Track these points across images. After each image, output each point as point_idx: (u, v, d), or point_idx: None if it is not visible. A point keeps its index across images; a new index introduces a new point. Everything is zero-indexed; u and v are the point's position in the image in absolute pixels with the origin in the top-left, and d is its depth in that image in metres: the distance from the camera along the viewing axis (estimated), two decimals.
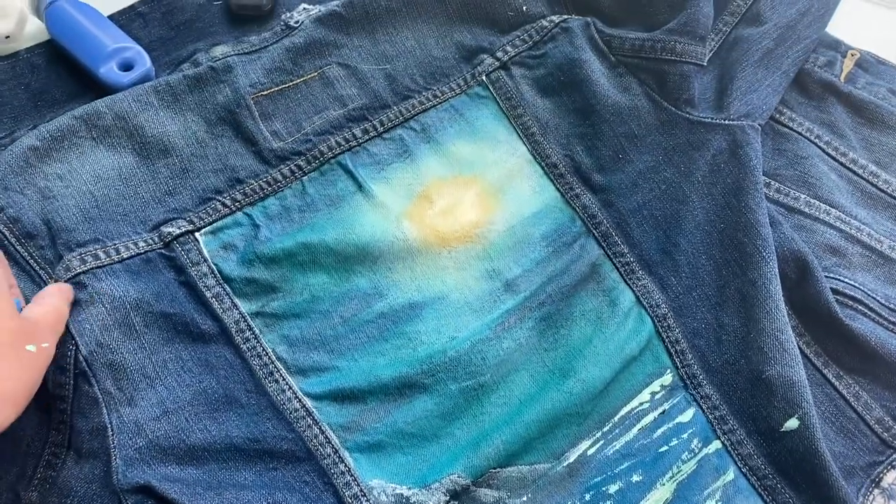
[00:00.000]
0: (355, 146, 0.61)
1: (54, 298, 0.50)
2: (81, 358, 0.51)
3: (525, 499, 0.54)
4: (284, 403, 0.54)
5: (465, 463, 0.53)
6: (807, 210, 0.64)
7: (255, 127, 0.59)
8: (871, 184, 0.66)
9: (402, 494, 0.52)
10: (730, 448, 0.56)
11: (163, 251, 0.56)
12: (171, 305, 0.55)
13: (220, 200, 0.58)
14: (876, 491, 0.56)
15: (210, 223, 0.57)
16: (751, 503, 0.55)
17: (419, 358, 0.56)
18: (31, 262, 0.54)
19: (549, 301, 0.59)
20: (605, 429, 0.56)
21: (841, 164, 0.66)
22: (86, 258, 0.53)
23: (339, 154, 0.61)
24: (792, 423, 0.54)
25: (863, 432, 0.57)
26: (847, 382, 0.59)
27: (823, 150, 0.66)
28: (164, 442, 0.51)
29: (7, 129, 0.61)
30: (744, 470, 0.56)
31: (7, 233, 0.53)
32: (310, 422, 0.54)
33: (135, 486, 0.49)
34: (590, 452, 0.55)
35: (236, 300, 0.56)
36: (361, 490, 0.52)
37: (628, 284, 0.60)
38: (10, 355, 0.43)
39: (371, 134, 0.62)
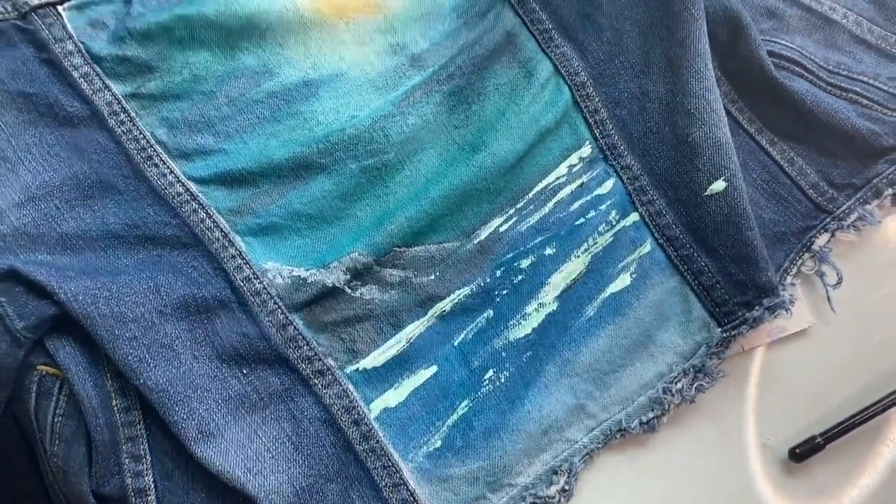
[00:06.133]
0: None
1: None
2: None
3: (433, 277, 0.50)
4: (166, 188, 0.49)
5: (366, 241, 0.49)
6: None
7: None
8: None
9: (299, 276, 0.48)
10: (648, 219, 0.53)
11: (18, 22, 0.50)
12: (30, 85, 0.49)
13: None
14: (806, 255, 0.53)
15: None
16: (665, 276, 0.52)
17: (315, 138, 0.51)
18: None
19: (459, 74, 0.53)
20: (518, 205, 0.52)
21: None
22: None
23: None
24: (718, 186, 0.51)
25: (796, 198, 0.54)
26: (781, 148, 0.55)
27: None
28: (32, 230, 0.47)
29: None
30: (661, 241, 0.52)
31: None
32: (195, 206, 0.49)
33: None
34: (502, 229, 0.52)
35: (108, 81, 0.51)
36: (254, 273, 0.48)
37: (546, 53, 0.55)
38: None
39: None
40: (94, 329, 0.44)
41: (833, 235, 0.54)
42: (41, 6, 0.51)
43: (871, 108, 0.55)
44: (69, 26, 0.51)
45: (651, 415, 0.49)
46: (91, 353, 0.45)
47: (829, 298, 0.53)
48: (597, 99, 0.54)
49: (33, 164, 0.48)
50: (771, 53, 0.55)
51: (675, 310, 0.51)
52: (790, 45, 0.56)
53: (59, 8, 0.51)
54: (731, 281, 0.50)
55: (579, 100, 0.54)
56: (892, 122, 0.55)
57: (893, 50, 0.57)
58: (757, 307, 0.50)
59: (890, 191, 0.54)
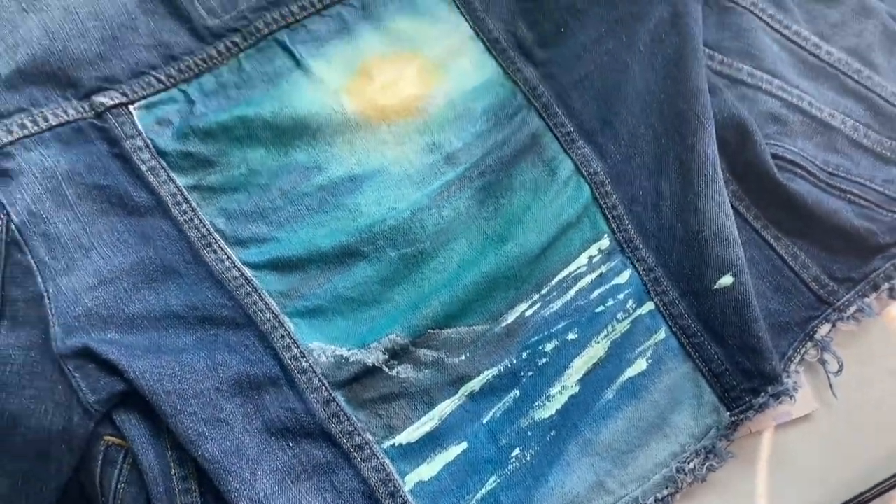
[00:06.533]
0: (293, 23, 0.60)
1: None
2: (13, 227, 0.51)
3: (463, 358, 0.54)
4: (223, 273, 0.54)
5: (403, 324, 0.54)
6: (749, 80, 0.63)
7: (190, 4, 0.58)
8: (814, 55, 0.65)
9: (341, 355, 0.53)
10: (662, 308, 0.57)
11: (94, 121, 0.55)
12: (104, 177, 0.54)
13: (154, 76, 0.57)
14: (809, 344, 0.57)
15: (144, 97, 0.57)
16: (678, 362, 0.56)
17: (359, 228, 0.56)
18: None
19: (489, 171, 0.59)
20: (542, 291, 0.57)
21: (784, 36, 0.66)
22: (12, 128, 0.53)
23: (277, 31, 0.60)
24: (726, 280, 0.55)
25: (799, 290, 0.58)
26: (785, 244, 0.59)
27: (767, 23, 0.66)
28: (104, 311, 0.52)
29: None
30: (674, 329, 0.56)
31: None
32: (249, 289, 0.54)
33: (73, 350, 0.49)
34: (528, 314, 0.56)
35: (172, 174, 0.56)
36: (301, 352, 0.53)
37: (568, 153, 0.60)
38: None
39: (309, 11, 0.61)
40: (158, 404, 0.49)
41: (834, 326, 0.58)
42: (115, 106, 0.56)
43: (867, 208, 0.60)
44: (139, 124, 0.56)
45: (665, 492, 0.53)
46: (154, 425, 0.50)
47: (830, 385, 0.57)
48: (615, 196, 0.59)
49: (105, 250, 0.53)
50: (775, 156, 0.60)
51: (687, 394, 0.55)
52: (793, 148, 0.61)
53: (131, 107, 0.57)
54: (739, 369, 0.54)
55: (598, 197, 0.59)
56: (888, 222, 0.59)
57: (888, 154, 0.62)
58: (763, 394, 0.54)
59: (887, 285, 0.59)
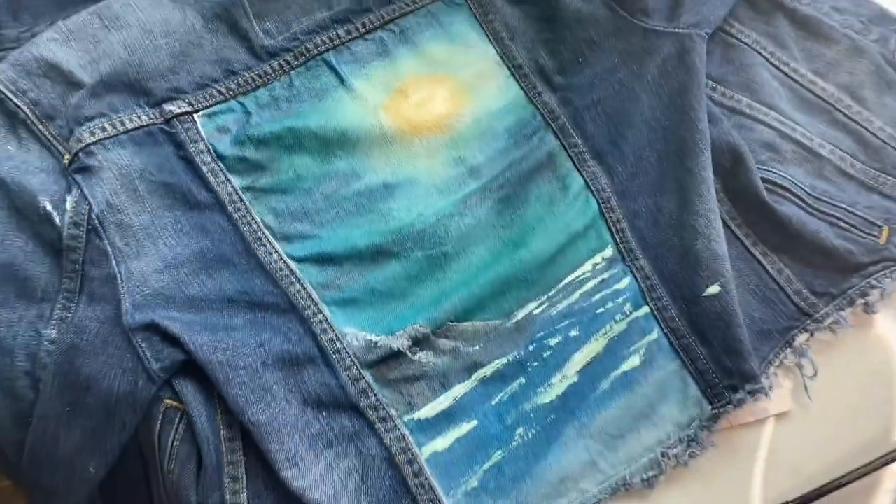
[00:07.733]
0: (339, 45, 0.68)
1: None
2: (94, 216, 0.59)
3: (477, 348, 0.61)
4: (271, 264, 0.61)
5: (426, 316, 0.61)
6: (748, 111, 0.70)
7: (249, 25, 0.66)
8: (810, 90, 0.72)
9: (370, 340, 0.60)
10: (656, 312, 0.64)
11: (164, 126, 0.62)
12: (171, 176, 0.62)
13: (216, 88, 0.64)
14: (788, 350, 0.63)
15: (207, 107, 0.64)
16: (668, 360, 0.63)
17: (390, 230, 0.63)
18: (52, 139, 0.61)
19: (508, 184, 0.66)
20: (550, 293, 0.64)
21: (783, 72, 0.72)
22: (94, 130, 0.60)
23: (324, 52, 0.67)
24: (714, 289, 0.62)
25: (783, 301, 0.64)
26: (772, 259, 0.65)
27: (768, 60, 0.72)
28: (167, 292, 0.59)
29: (28, 25, 0.68)
30: (665, 330, 0.63)
31: (29, 113, 0.60)
32: (293, 279, 0.61)
33: (141, 324, 0.57)
34: (536, 312, 0.63)
35: (229, 175, 0.63)
36: (336, 335, 0.60)
37: (579, 171, 0.67)
38: None
39: (354, 35, 0.68)
40: (213, 373, 0.56)
41: (812, 335, 0.64)
42: (182, 114, 0.63)
43: (848, 231, 0.66)
44: (202, 130, 0.63)
45: (651, 473, 0.59)
46: (207, 392, 0.57)
47: (806, 388, 0.63)
48: (619, 211, 0.66)
49: (170, 240, 0.60)
50: (766, 180, 0.66)
51: (674, 388, 0.62)
52: (783, 174, 0.67)
53: (195, 115, 0.63)
54: (721, 367, 0.61)
55: (604, 211, 0.66)
56: (866, 243, 0.65)
57: (871, 182, 0.68)
58: (741, 391, 0.60)
59: (862, 300, 0.64)
